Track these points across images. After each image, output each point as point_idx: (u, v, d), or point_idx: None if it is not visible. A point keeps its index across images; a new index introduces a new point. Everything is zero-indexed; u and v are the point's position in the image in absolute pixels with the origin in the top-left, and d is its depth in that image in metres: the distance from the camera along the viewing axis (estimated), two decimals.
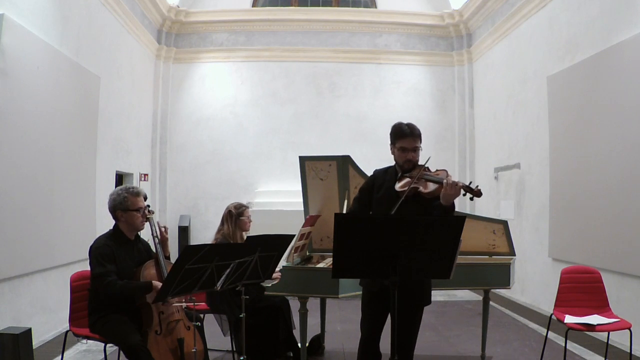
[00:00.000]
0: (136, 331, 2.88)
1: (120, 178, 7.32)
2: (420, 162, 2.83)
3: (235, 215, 4.01)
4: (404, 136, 2.80)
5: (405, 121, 2.86)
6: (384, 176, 2.92)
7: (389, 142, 2.89)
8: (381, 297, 2.72)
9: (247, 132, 8.90)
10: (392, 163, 2.94)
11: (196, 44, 8.96)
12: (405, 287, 2.52)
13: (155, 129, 8.62)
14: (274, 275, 3.47)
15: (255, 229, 3.95)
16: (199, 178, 8.85)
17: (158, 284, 2.90)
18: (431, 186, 2.65)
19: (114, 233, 3.12)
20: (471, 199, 2.62)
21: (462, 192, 2.58)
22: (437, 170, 2.80)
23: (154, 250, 3.22)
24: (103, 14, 6.33)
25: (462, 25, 8.77)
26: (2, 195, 4.14)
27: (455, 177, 8.60)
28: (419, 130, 2.84)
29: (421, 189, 2.67)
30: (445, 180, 2.57)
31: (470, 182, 2.68)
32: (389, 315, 2.78)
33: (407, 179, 2.77)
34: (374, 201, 2.87)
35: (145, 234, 3.27)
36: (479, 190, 2.58)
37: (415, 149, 2.81)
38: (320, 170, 4.12)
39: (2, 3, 4.19)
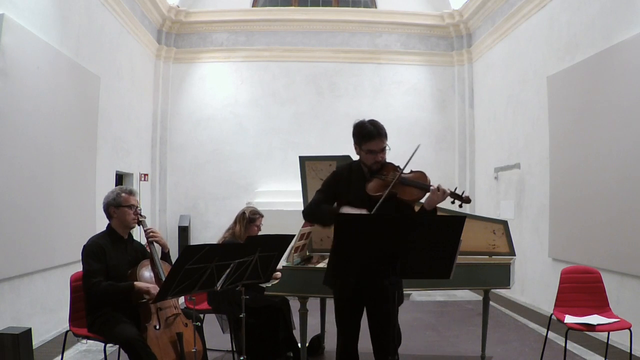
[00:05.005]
0: (133, 326, 2.91)
1: (120, 178, 7.31)
2: (404, 157, 2.65)
3: (247, 219, 4.06)
4: (371, 138, 2.68)
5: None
6: (349, 175, 2.80)
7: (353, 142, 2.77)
8: (353, 300, 2.74)
9: (247, 132, 8.89)
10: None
11: (196, 44, 8.95)
12: (375, 288, 2.56)
13: (155, 129, 8.62)
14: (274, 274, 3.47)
15: None
16: (199, 178, 8.84)
17: (141, 284, 2.97)
18: (411, 192, 2.58)
19: (107, 231, 3.21)
20: (460, 206, 2.58)
21: (451, 199, 2.56)
22: (412, 171, 2.69)
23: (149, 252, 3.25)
24: (103, 14, 6.32)
25: (462, 25, 8.76)
26: (2, 195, 4.13)
27: (455, 177, 8.73)
28: (384, 129, 2.73)
29: (399, 195, 2.59)
30: (432, 188, 2.53)
31: (456, 188, 2.61)
32: (364, 314, 2.80)
33: (379, 180, 2.67)
34: (346, 203, 2.73)
35: (143, 239, 3.31)
36: (467, 197, 2.55)
37: (383, 149, 2.71)
38: (320, 170, 4.12)
39: (2, 3, 4.19)
